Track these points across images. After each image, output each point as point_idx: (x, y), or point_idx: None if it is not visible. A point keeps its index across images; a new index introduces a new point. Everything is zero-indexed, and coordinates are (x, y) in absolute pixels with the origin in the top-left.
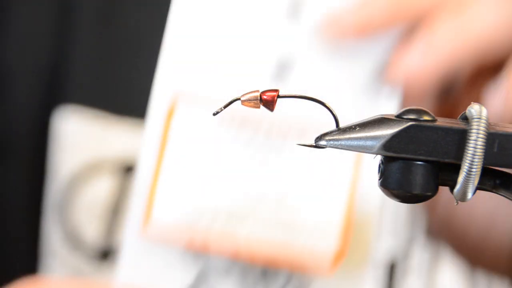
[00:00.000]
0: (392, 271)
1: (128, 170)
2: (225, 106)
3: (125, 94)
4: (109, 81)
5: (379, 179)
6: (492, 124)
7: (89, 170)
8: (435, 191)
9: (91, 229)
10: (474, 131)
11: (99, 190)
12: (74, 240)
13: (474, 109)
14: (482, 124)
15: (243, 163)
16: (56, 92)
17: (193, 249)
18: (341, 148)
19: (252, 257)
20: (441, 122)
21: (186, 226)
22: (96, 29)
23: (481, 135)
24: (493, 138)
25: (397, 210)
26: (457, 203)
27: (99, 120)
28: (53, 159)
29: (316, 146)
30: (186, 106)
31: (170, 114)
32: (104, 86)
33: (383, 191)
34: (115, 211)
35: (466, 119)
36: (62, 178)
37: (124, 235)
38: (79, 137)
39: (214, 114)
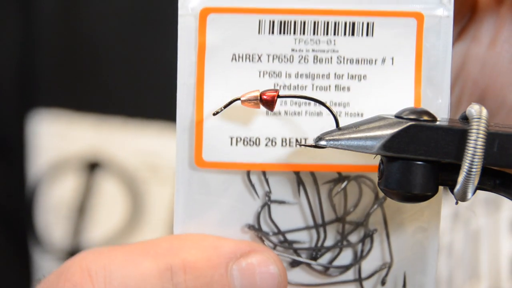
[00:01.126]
0: None
1: (92, 167)
2: (225, 106)
3: (89, 92)
4: (73, 81)
5: (379, 179)
6: (492, 124)
7: (55, 170)
8: (435, 191)
9: (58, 230)
10: (474, 131)
11: (65, 189)
12: (44, 243)
13: (474, 109)
14: (482, 124)
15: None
16: (24, 97)
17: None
18: (341, 148)
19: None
20: (441, 122)
21: (240, 155)
22: (57, 29)
23: (481, 135)
24: (493, 138)
25: None
26: (457, 203)
27: (62, 119)
28: (26, 162)
29: (316, 146)
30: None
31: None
32: (68, 86)
33: (383, 191)
34: (81, 210)
35: (466, 119)
36: (30, 180)
37: (176, 181)
38: (47, 139)
39: (214, 114)
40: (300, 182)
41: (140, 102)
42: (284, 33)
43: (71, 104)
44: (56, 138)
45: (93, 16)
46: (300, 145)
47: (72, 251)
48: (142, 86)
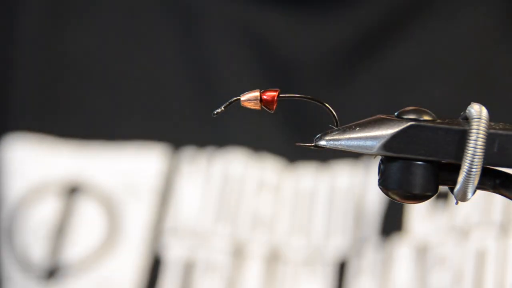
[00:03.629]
0: (342, 270)
1: (72, 191)
2: (225, 106)
3: (68, 116)
4: (51, 105)
5: (379, 179)
6: (492, 124)
7: (35, 194)
8: (435, 191)
9: (38, 250)
10: (474, 131)
11: (44, 213)
12: (23, 263)
13: (474, 109)
14: (482, 124)
15: None
16: (1, 120)
17: None
18: (341, 148)
19: None
20: (441, 122)
21: None
22: (36, 54)
23: (481, 135)
24: (493, 138)
25: (346, 209)
26: (457, 203)
27: (43, 144)
28: (1, 186)
29: (316, 146)
30: None
31: None
32: (46, 110)
33: (383, 191)
34: (60, 231)
35: (466, 119)
36: (10, 204)
37: None
38: (24, 163)
39: (214, 115)
40: None
41: (118, 124)
42: None
43: (51, 130)
44: (36, 163)
45: (73, 40)
46: (300, 145)
47: (51, 270)
48: (120, 107)
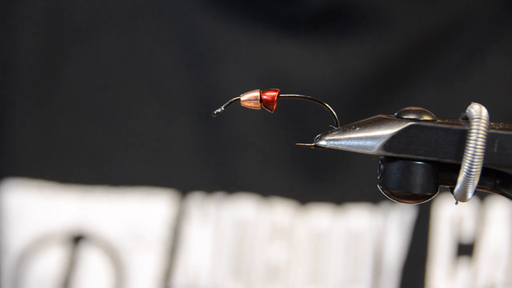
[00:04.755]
0: None
1: (77, 240)
2: (225, 106)
3: (70, 162)
4: (53, 150)
5: (379, 179)
6: (492, 124)
7: (38, 244)
8: (435, 191)
9: None
10: (474, 131)
11: (49, 264)
12: None
13: (474, 109)
14: (482, 124)
15: None
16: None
17: None
18: (341, 148)
19: None
20: (441, 122)
21: None
22: (34, 93)
23: (481, 135)
24: (493, 138)
25: (364, 256)
26: (457, 203)
27: (45, 191)
28: (2, 234)
29: (316, 146)
30: None
31: None
32: (46, 154)
33: (383, 191)
34: (66, 285)
35: (466, 119)
36: (13, 254)
37: None
38: (26, 210)
39: (214, 115)
40: None
41: (123, 169)
42: None
43: (54, 176)
44: (38, 211)
45: (75, 78)
46: (299, 145)
47: None
48: (124, 153)
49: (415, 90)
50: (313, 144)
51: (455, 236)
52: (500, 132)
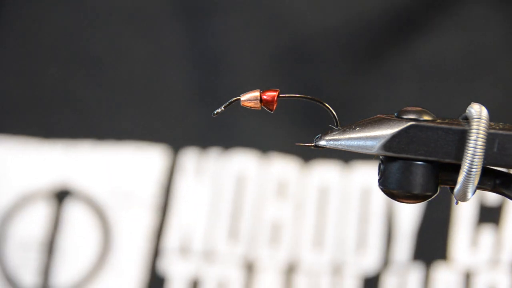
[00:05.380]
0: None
1: (63, 197)
2: (225, 106)
3: (54, 115)
4: (35, 103)
5: (379, 179)
6: (492, 124)
7: (23, 201)
8: (435, 191)
9: (28, 270)
10: (474, 131)
11: (33, 222)
12: (12, 284)
13: (474, 109)
14: (482, 124)
15: None
16: None
17: None
18: (341, 148)
19: None
20: (441, 122)
21: None
22: (14, 50)
23: (481, 135)
24: (493, 138)
25: (378, 217)
26: (457, 203)
27: (29, 147)
28: None
29: (316, 146)
30: None
31: None
32: (30, 110)
33: (383, 191)
34: (51, 244)
35: (466, 119)
36: None
37: None
38: (9, 168)
39: (214, 115)
40: None
41: (111, 122)
42: None
43: (36, 131)
44: (22, 168)
45: (60, 26)
46: (299, 145)
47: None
48: (113, 105)
49: (432, 38)
50: (313, 144)
51: (479, 199)
52: (500, 132)
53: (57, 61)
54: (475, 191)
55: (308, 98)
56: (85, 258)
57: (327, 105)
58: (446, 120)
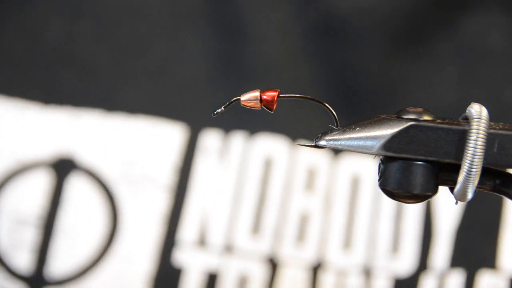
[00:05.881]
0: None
1: (65, 167)
2: (225, 106)
3: (58, 79)
4: (37, 64)
5: (379, 179)
6: (492, 124)
7: (20, 171)
8: (435, 191)
9: (21, 250)
10: (474, 131)
11: (29, 197)
12: (3, 264)
13: (474, 109)
14: (482, 124)
15: None
16: None
17: None
18: (341, 148)
19: None
20: (441, 122)
21: None
22: (13, 4)
23: (481, 135)
24: (493, 138)
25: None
26: (457, 203)
27: (28, 112)
28: None
29: (316, 146)
30: None
31: None
32: (31, 72)
33: (383, 191)
34: (49, 223)
35: (466, 119)
36: None
37: None
38: (4, 132)
39: (214, 115)
40: None
41: (123, 92)
42: None
43: (36, 94)
44: (20, 133)
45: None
46: (300, 145)
47: (37, 280)
48: (125, 72)
49: (467, 23)
50: (313, 144)
51: None
52: (500, 132)
53: (62, 13)
54: (475, 191)
55: (308, 98)
56: (87, 241)
57: (327, 105)
58: (446, 120)
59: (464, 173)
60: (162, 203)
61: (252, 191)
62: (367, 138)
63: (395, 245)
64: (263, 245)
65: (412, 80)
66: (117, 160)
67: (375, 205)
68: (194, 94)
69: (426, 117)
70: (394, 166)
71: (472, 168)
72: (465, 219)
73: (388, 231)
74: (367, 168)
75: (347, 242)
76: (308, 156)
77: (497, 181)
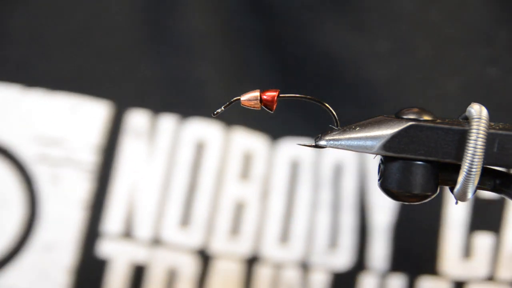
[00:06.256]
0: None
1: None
2: (225, 106)
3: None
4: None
5: (379, 179)
6: (492, 124)
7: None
8: (435, 191)
9: None
10: (474, 131)
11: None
12: None
13: (474, 109)
14: (482, 124)
15: None
16: None
17: None
18: (341, 148)
19: None
20: (441, 122)
21: None
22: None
23: (481, 135)
24: (493, 138)
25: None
26: (457, 203)
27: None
28: None
29: (316, 146)
30: None
31: None
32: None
33: (383, 191)
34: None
35: (466, 119)
36: None
37: None
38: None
39: (213, 115)
40: None
41: (41, 66)
42: None
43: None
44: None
45: None
46: (300, 145)
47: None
48: (42, 44)
49: None
50: (314, 144)
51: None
52: (500, 132)
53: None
54: (475, 191)
55: (308, 98)
56: (3, 229)
57: (327, 105)
58: (446, 120)
59: (464, 173)
60: (84, 187)
61: (183, 177)
62: (367, 138)
63: (333, 239)
64: (194, 236)
65: (347, 51)
66: (35, 140)
67: (315, 193)
68: (119, 67)
69: (426, 117)
70: (394, 166)
71: (472, 168)
72: (402, 216)
73: (327, 223)
74: (306, 154)
75: (285, 235)
76: (244, 141)
77: (497, 181)
